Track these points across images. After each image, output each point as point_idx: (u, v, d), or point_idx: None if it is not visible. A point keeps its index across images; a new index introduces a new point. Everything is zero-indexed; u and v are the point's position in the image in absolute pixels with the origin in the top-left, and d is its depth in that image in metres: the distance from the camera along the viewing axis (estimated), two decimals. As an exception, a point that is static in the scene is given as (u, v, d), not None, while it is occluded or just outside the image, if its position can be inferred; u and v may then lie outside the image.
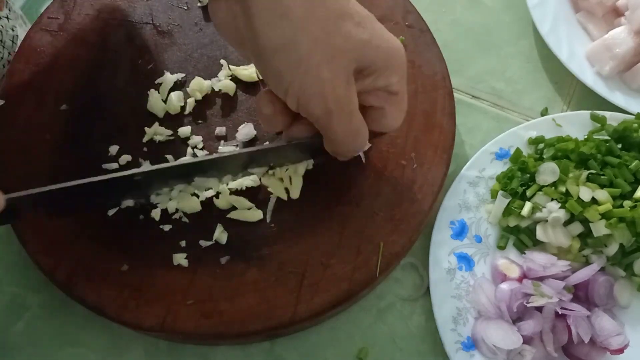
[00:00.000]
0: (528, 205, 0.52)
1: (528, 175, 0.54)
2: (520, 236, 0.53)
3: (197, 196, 0.51)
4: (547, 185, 0.52)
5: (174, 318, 0.46)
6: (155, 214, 0.50)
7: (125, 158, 0.53)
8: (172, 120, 0.55)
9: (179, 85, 0.57)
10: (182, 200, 0.50)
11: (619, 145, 0.55)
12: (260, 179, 0.51)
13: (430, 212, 0.51)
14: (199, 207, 0.51)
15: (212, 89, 0.57)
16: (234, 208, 0.51)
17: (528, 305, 0.48)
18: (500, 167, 0.56)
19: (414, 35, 0.58)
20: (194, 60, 0.58)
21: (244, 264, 0.49)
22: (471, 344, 0.49)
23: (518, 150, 0.55)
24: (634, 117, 0.57)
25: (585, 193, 0.51)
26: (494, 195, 0.54)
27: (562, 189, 0.52)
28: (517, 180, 0.53)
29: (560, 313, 0.48)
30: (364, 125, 0.42)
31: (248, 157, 0.47)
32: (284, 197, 0.51)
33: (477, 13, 0.68)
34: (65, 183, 0.43)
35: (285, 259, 0.49)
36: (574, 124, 0.57)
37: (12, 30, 0.67)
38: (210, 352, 0.51)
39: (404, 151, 0.53)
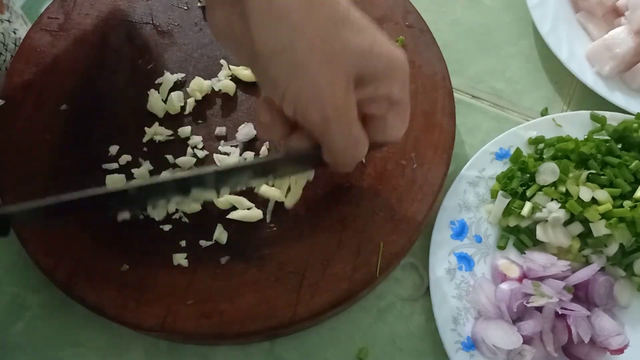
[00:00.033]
0: (528, 205, 0.52)
1: (528, 175, 0.54)
2: (520, 236, 0.53)
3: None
4: (547, 185, 0.52)
5: (174, 318, 0.46)
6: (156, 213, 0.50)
7: (125, 158, 0.53)
8: (172, 120, 0.55)
9: (179, 85, 0.57)
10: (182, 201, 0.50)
11: (619, 145, 0.55)
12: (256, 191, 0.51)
13: (430, 212, 0.51)
14: (199, 207, 0.51)
15: (212, 89, 0.57)
16: (234, 208, 0.51)
17: (528, 305, 0.48)
18: (500, 167, 0.56)
19: (414, 35, 0.58)
20: (194, 60, 0.58)
21: (244, 264, 0.49)
22: (471, 344, 0.49)
23: (518, 150, 0.55)
24: (634, 117, 0.57)
25: (585, 193, 0.51)
26: (494, 195, 0.54)
27: (562, 189, 0.52)
28: (517, 180, 0.53)
29: (560, 313, 0.48)
30: (364, 135, 0.41)
31: (247, 170, 0.47)
32: (282, 200, 0.51)
33: (477, 13, 0.68)
34: (57, 198, 0.42)
35: (285, 259, 0.49)
36: (574, 124, 0.57)
37: (14, 32, 0.67)
38: (210, 352, 0.51)
39: (404, 151, 0.53)
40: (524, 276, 0.51)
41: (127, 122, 0.55)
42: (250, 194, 0.51)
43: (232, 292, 0.47)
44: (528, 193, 0.53)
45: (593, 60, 0.62)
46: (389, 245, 0.49)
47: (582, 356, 0.48)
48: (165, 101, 0.56)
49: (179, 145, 0.54)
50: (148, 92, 0.56)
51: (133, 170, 0.53)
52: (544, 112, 0.62)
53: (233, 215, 0.50)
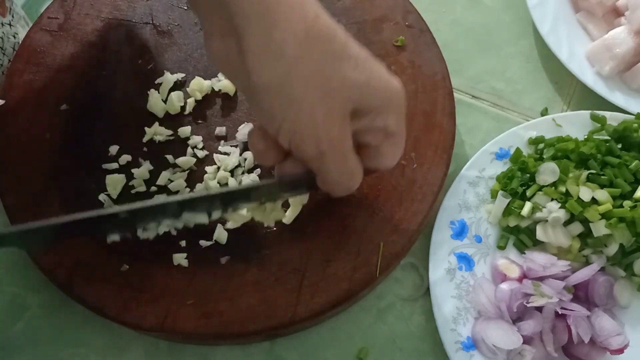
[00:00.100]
0: (528, 205, 0.52)
1: (528, 175, 0.54)
2: (520, 236, 0.53)
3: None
4: (547, 185, 0.52)
5: (174, 318, 0.46)
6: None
7: (125, 158, 0.53)
8: (172, 120, 0.55)
9: (179, 85, 0.57)
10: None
11: (619, 145, 0.55)
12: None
13: (430, 212, 0.51)
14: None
15: (212, 89, 0.57)
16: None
17: (528, 305, 0.48)
18: (500, 167, 0.56)
19: (414, 35, 0.58)
20: (194, 60, 0.58)
21: (244, 264, 0.49)
22: (471, 344, 0.49)
23: (518, 150, 0.55)
24: (634, 117, 0.57)
25: (585, 193, 0.51)
26: (494, 195, 0.54)
27: (562, 189, 0.52)
28: (517, 180, 0.53)
29: (560, 313, 0.48)
30: (359, 166, 0.41)
31: (239, 194, 0.47)
32: (272, 225, 0.50)
33: (477, 13, 0.68)
34: (46, 221, 0.42)
35: (285, 259, 0.49)
36: (574, 124, 0.57)
37: (14, 37, 0.67)
38: (210, 352, 0.51)
39: (404, 151, 0.52)
40: (524, 276, 0.51)
41: (127, 122, 0.55)
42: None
43: (232, 292, 0.47)
44: (528, 193, 0.53)
45: (593, 60, 0.62)
46: (389, 245, 0.49)
47: (582, 356, 0.48)
48: (165, 101, 0.56)
49: (179, 145, 0.54)
50: (148, 92, 0.56)
51: (133, 170, 0.53)
52: (544, 112, 0.62)
53: (229, 225, 0.50)
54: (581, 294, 0.50)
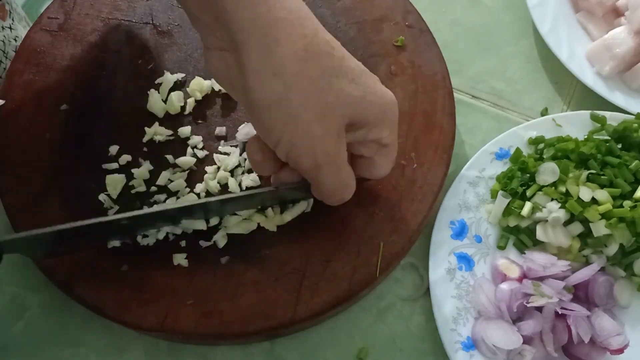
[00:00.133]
0: (528, 205, 0.52)
1: (528, 175, 0.54)
2: (520, 236, 0.53)
3: (198, 195, 0.51)
4: (547, 185, 0.52)
5: (174, 318, 0.46)
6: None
7: (125, 158, 0.53)
8: (172, 120, 0.55)
9: (179, 85, 0.57)
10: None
11: (619, 145, 0.55)
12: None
13: (430, 212, 0.51)
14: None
15: (212, 89, 0.57)
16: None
17: (528, 305, 0.48)
18: (500, 167, 0.56)
19: (414, 35, 0.58)
20: (194, 60, 0.58)
21: (244, 264, 0.49)
22: (471, 344, 0.49)
23: (518, 150, 0.55)
24: (634, 117, 0.57)
25: (585, 193, 0.51)
26: (494, 195, 0.54)
27: (562, 189, 0.52)
28: (517, 180, 0.53)
29: (560, 313, 0.48)
30: (352, 177, 0.43)
31: (236, 201, 0.48)
32: (274, 229, 0.50)
33: (477, 13, 0.68)
34: (46, 229, 0.43)
35: (285, 259, 0.49)
36: (574, 124, 0.57)
37: (15, 40, 0.67)
38: (210, 352, 0.51)
39: (404, 151, 0.53)
40: (524, 276, 0.51)
41: (127, 122, 0.55)
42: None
43: (232, 292, 0.47)
44: (528, 193, 0.53)
45: (593, 60, 0.62)
46: (389, 245, 0.49)
47: (582, 356, 0.48)
48: (165, 101, 0.56)
49: (179, 145, 0.54)
50: (148, 92, 0.56)
51: (133, 170, 0.52)
52: (544, 112, 0.62)
53: (231, 229, 0.50)
54: (581, 294, 0.50)
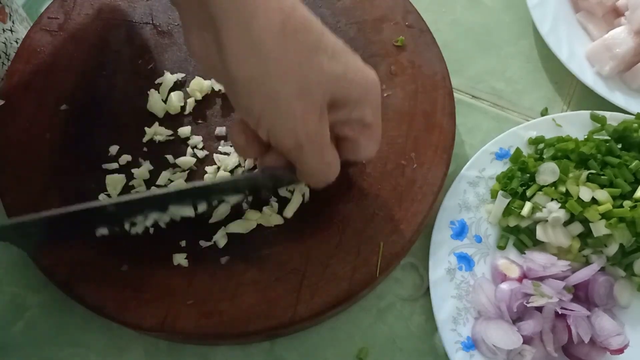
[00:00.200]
0: (528, 205, 0.52)
1: (528, 175, 0.54)
2: (520, 236, 0.53)
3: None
4: (547, 185, 0.52)
5: (174, 318, 0.46)
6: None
7: (125, 158, 0.53)
8: (172, 120, 0.55)
9: (179, 85, 0.57)
10: None
11: (619, 145, 0.55)
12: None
13: (430, 212, 0.51)
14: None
15: (212, 89, 0.57)
16: (233, 215, 0.51)
17: (528, 305, 0.48)
18: (500, 167, 0.56)
19: (414, 35, 0.58)
20: (194, 60, 0.58)
21: (244, 264, 0.49)
22: (471, 344, 0.49)
23: (518, 150, 0.55)
24: (634, 117, 0.57)
25: (585, 193, 0.51)
26: (494, 195, 0.54)
27: (562, 189, 0.52)
28: (517, 180, 0.53)
29: (560, 313, 0.48)
30: (336, 157, 0.42)
31: (223, 187, 0.47)
32: (271, 225, 0.50)
33: (477, 13, 0.68)
34: (32, 215, 0.43)
35: (285, 259, 0.49)
36: (574, 124, 0.57)
37: (16, 42, 0.67)
38: (210, 352, 0.51)
39: (404, 151, 0.53)
40: (524, 276, 0.51)
41: (127, 122, 0.55)
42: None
43: (232, 292, 0.47)
44: (528, 193, 0.53)
45: (593, 60, 0.62)
46: (389, 245, 0.49)
47: (582, 356, 0.48)
48: (165, 101, 0.56)
49: (179, 145, 0.54)
50: (148, 92, 0.56)
51: (133, 170, 0.53)
52: (544, 112, 0.62)
53: (230, 229, 0.50)
54: (581, 294, 0.50)
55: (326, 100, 0.38)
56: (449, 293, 0.51)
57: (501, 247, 0.53)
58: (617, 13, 0.65)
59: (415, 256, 0.54)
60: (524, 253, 0.53)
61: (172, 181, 0.52)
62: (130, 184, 0.52)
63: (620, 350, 0.47)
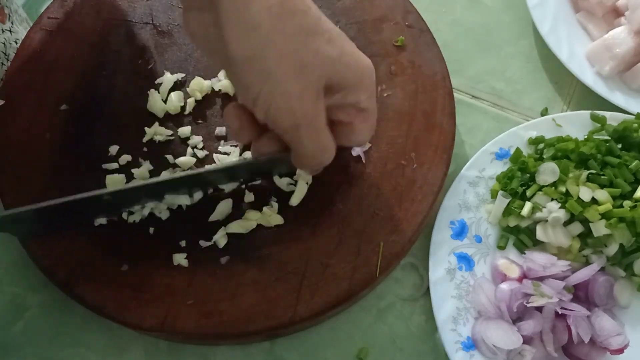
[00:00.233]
0: (528, 205, 0.52)
1: (528, 175, 0.54)
2: (520, 236, 0.53)
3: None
4: (547, 185, 0.52)
5: (174, 318, 0.46)
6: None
7: (125, 158, 0.53)
8: (172, 120, 0.55)
9: (179, 85, 0.57)
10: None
11: (619, 145, 0.55)
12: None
13: (430, 212, 0.51)
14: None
15: (212, 89, 0.57)
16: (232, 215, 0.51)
17: (528, 305, 0.48)
18: (500, 167, 0.56)
19: (414, 35, 0.58)
20: (194, 60, 0.58)
21: (244, 264, 0.49)
22: (471, 344, 0.49)
23: (518, 150, 0.55)
24: (634, 117, 0.57)
25: (585, 193, 0.51)
26: (494, 195, 0.54)
27: (562, 189, 0.52)
28: (517, 180, 0.53)
29: (560, 313, 0.48)
30: (332, 141, 0.42)
31: (217, 174, 0.47)
32: (271, 225, 0.50)
33: (477, 13, 0.68)
34: (31, 205, 0.43)
35: (285, 259, 0.49)
36: (574, 124, 0.57)
37: (16, 42, 0.67)
38: (210, 352, 0.51)
39: (404, 151, 0.53)
40: (524, 276, 0.51)
41: (127, 122, 0.55)
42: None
43: (232, 292, 0.47)
44: (528, 193, 0.53)
45: (593, 60, 0.62)
46: (389, 245, 0.49)
47: (582, 356, 0.48)
48: (165, 101, 0.56)
49: (179, 145, 0.54)
50: (148, 92, 0.56)
51: (133, 170, 0.53)
52: (544, 112, 0.62)
53: (230, 228, 0.50)
54: (581, 294, 0.50)
55: (322, 83, 0.39)
56: (449, 293, 0.51)
57: (501, 247, 0.53)
58: (617, 13, 0.65)
59: (415, 256, 0.54)
60: (524, 253, 0.53)
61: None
62: (130, 184, 0.52)
63: (620, 350, 0.47)
